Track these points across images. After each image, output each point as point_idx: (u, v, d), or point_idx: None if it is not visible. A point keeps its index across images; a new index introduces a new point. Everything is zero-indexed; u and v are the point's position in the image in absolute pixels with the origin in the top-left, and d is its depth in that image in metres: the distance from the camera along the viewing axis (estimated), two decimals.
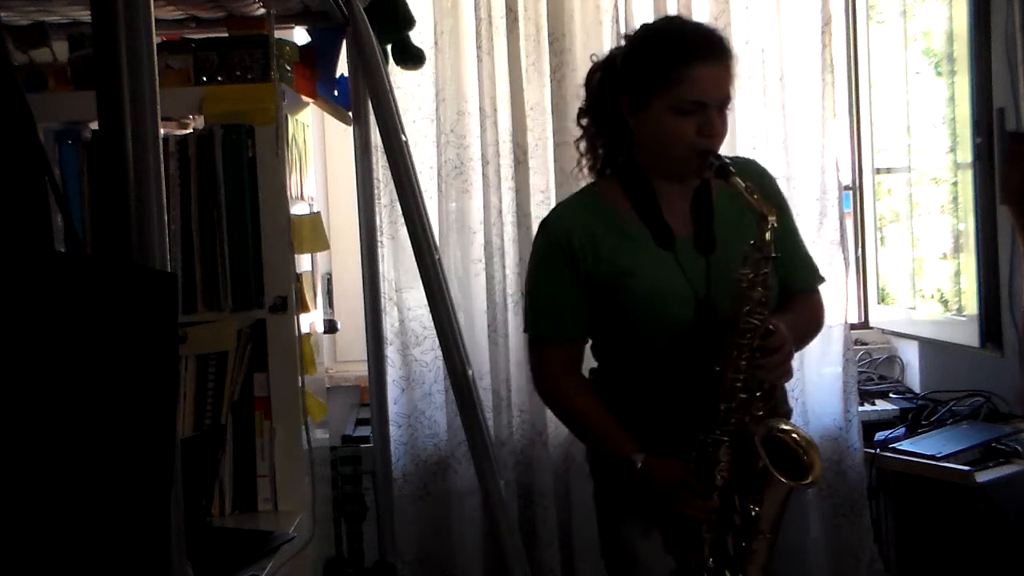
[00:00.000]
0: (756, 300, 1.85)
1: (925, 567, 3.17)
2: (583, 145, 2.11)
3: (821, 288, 2.17)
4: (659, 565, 1.99)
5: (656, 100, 1.91)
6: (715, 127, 1.89)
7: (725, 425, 1.88)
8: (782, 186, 2.45)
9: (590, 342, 2.13)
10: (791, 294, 2.06)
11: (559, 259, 2.01)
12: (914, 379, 3.58)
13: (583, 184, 3.42)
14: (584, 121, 2.10)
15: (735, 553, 1.91)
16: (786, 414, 2.08)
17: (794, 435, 1.90)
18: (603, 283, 1.99)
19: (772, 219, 1.83)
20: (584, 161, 2.12)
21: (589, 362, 2.17)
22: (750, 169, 2.06)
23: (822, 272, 2.19)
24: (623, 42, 2.09)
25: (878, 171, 3.55)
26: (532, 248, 2.11)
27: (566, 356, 2.07)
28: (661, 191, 2.00)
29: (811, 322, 2.12)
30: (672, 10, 3.31)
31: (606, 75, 2.05)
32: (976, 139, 3.01)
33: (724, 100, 1.92)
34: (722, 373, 1.87)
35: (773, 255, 1.84)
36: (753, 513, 1.88)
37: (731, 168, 1.86)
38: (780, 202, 2.06)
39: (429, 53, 3.22)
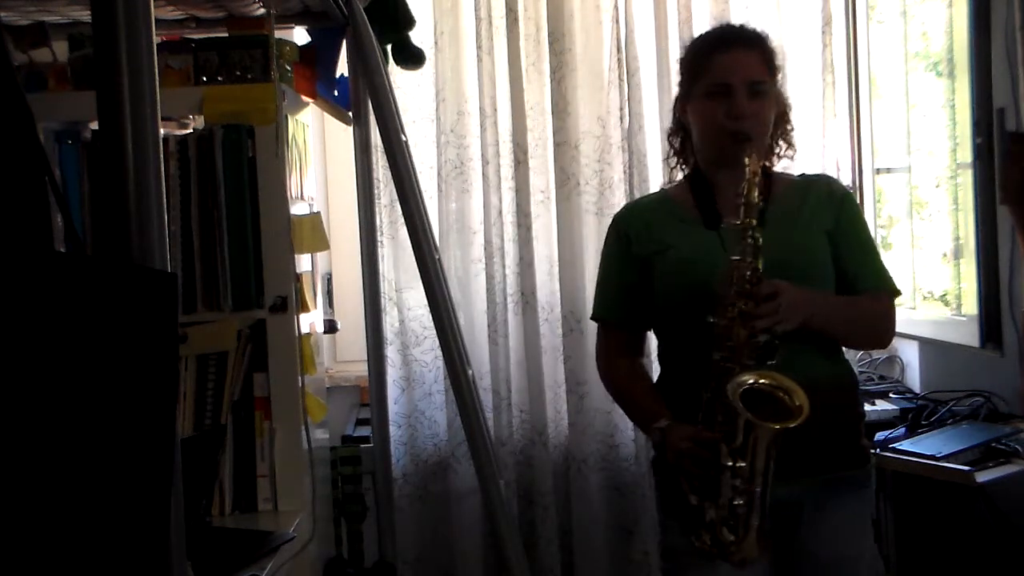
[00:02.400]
0: (745, 247, 1.90)
1: (925, 567, 3.17)
2: (673, 161, 2.23)
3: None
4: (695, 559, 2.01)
5: (694, 90, 2.06)
6: (740, 108, 1.98)
7: (720, 377, 1.90)
8: None
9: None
10: (851, 292, 2.07)
11: (616, 247, 2.18)
12: (914, 379, 3.58)
13: (583, 186, 3.45)
14: (674, 140, 2.21)
15: (735, 514, 1.90)
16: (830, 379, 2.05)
17: (764, 380, 1.88)
18: (649, 261, 2.11)
19: (756, 171, 1.90)
20: (675, 173, 2.24)
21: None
22: (819, 178, 2.20)
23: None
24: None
25: (878, 171, 3.54)
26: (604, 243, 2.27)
27: (620, 339, 2.20)
28: (719, 181, 2.07)
29: (860, 314, 2.08)
30: (672, 10, 3.32)
31: None
32: (976, 139, 3.01)
33: (752, 83, 2.01)
34: (715, 324, 1.92)
35: (756, 223, 1.90)
36: (741, 466, 1.87)
37: (752, 143, 1.96)
38: (841, 210, 2.07)
39: (429, 53, 3.23)
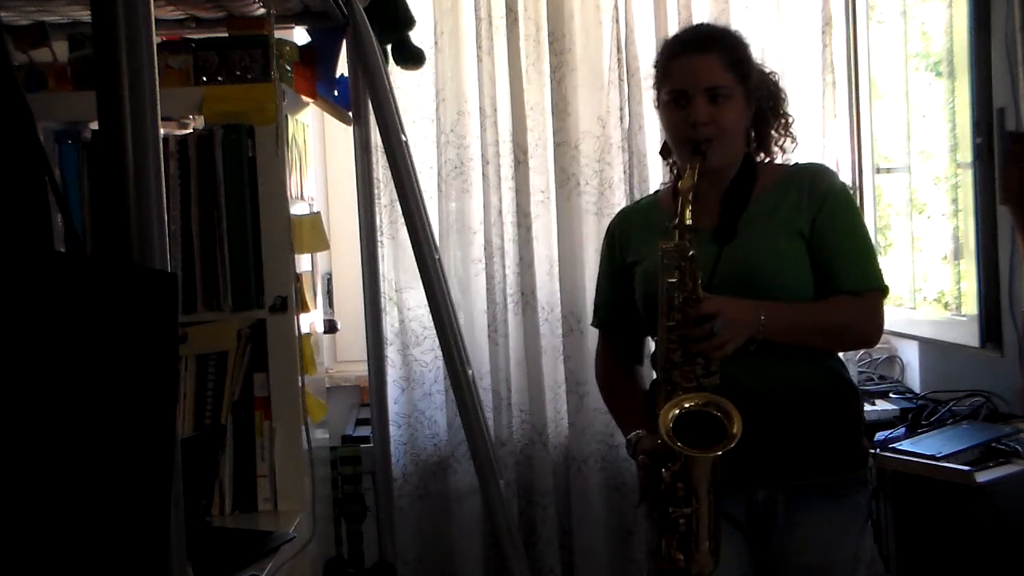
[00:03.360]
0: (677, 268, 1.90)
1: (925, 567, 3.17)
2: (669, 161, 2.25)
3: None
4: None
5: (660, 97, 2.07)
6: (698, 114, 1.97)
7: (667, 396, 1.92)
8: None
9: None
10: (833, 293, 2.02)
11: (607, 254, 2.22)
12: (914, 379, 3.58)
13: (583, 186, 3.46)
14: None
15: (680, 534, 1.92)
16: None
17: (696, 403, 1.88)
18: (630, 270, 2.13)
19: (687, 197, 1.91)
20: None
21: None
22: (806, 169, 2.14)
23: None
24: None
25: (878, 171, 3.54)
26: None
27: (614, 344, 2.24)
28: (699, 187, 2.02)
29: (835, 321, 2.03)
30: (672, 10, 3.32)
31: None
32: (976, 139, 3.00)
33: (710, 89, 1.99)
34: (658, 343, 1.95)
35: (689, 237, 1.91)
36: (680, 485, 1.89)
37: (704, 154, 1.96)
38: (820, 208, 2.02)
39: (429, 53, 3.23)
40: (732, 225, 2.02)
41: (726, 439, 1.83)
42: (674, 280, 1.91)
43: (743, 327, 1.90)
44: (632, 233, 2.16)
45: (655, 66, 2.12)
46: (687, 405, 1.88)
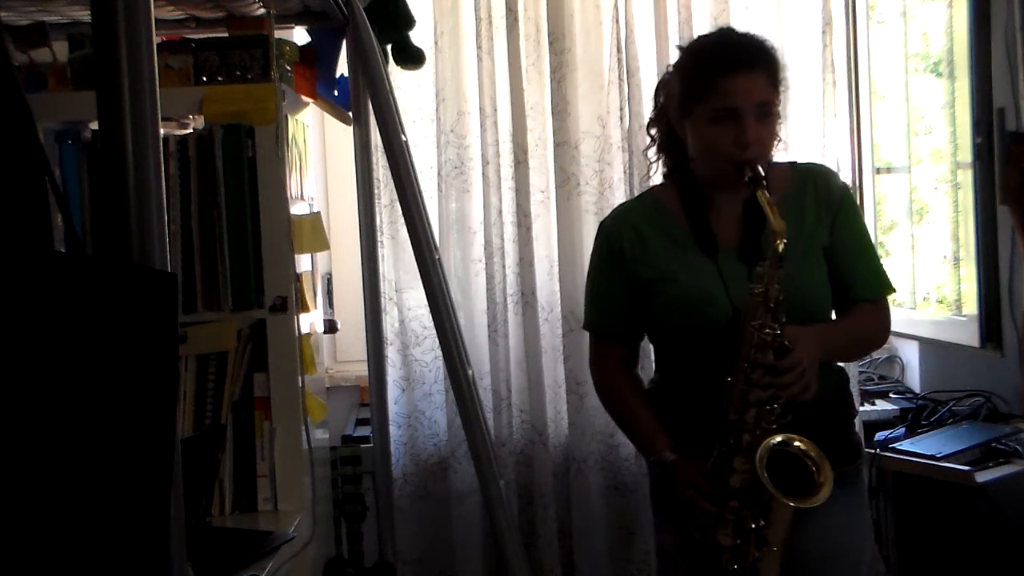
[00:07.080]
0: (766, 312, 1.86)
1: (925, 567, 3.17)
2: (652, 153, 2.15)
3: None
4: (685, 561, 2.03)
5: (696, 108, 1.95)
6: (749, 136, 1.89)
7: (738, 436, 1.89)
8: None
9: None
10: (852, 302, 2.04)
11: (610, 261, 2.10)
12: (914, 379, 3.58)
13: (583, 186, 3.45)
14: (653, 131, 2.14)
15: (747, 564, 1.89)
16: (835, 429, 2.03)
17: (799, 446, 1.86)
18: (647, 286, 2.05)
19: (782, 239, 1.84)
20: (653, 169, 2.17)
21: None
22: (813, 173, 2.09)
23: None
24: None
25: (878, 171, 3.54)
26: (592, 249, 2.18)
27: (617, 352, 2.16)
28: (713, 199, 2.01)
29: (863, 333, 2.07)
30: (672, 10, 3.32)
31: (666, 86, 2.10)
32: (976, 139, 3.01)
33: (761, 107, 1.91)
34: (732, 384, 1.89)
35: (780, 268, 1.85)
36: (758, 526, 1.87)
37: (763, 180, 1.87)
38: (836, 217, 2.02)
39: (429, 53, 3.22)
40: (756, 245, 1.97)
41: (815, 490, 1.82)
42: (760, 321, 1.86)
43: (817, 364, 1.89)
44: (644, 243, 2.05)
45: (689, 78, 1.98)
46: (797, 444, 1.86)
